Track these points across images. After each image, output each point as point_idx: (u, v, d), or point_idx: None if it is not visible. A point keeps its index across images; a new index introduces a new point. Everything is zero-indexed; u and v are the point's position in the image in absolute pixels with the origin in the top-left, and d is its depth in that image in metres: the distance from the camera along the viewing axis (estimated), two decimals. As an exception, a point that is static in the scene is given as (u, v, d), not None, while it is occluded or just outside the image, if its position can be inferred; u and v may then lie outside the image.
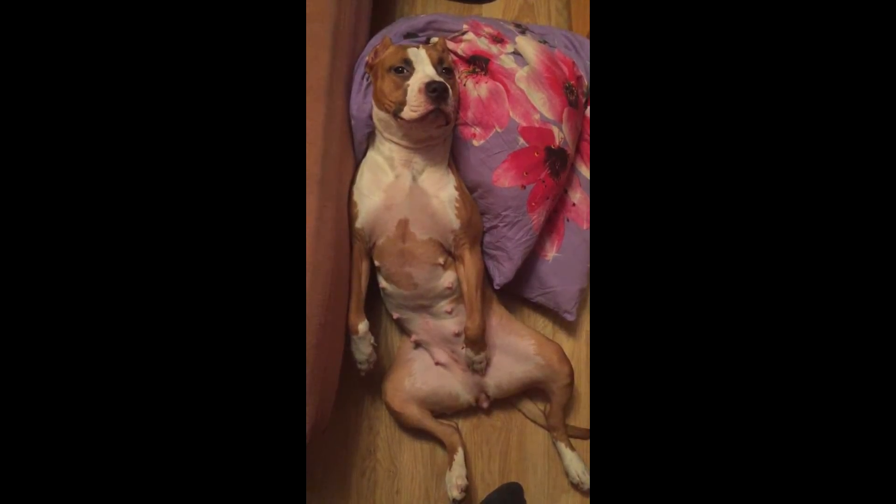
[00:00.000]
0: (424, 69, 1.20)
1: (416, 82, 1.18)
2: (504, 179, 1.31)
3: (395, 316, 1.43)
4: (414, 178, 1.27)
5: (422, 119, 1.17)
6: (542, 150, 1.31)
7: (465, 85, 1.32)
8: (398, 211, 1.26)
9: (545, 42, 1.40)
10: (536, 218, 1.35)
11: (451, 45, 1.34)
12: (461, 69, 1.33)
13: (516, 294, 1.51)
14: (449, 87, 1.18)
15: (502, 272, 1.40)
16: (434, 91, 1.14)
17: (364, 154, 1.34)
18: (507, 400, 1.47)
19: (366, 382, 1.43)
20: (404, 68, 1.21)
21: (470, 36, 1.34)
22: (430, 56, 1.23)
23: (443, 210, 1.27)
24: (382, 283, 1.37)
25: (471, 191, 1.36)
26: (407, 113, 1.18)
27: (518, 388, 1.43)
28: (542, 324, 1.57)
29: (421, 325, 1.41)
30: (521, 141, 1.30)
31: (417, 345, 1.44)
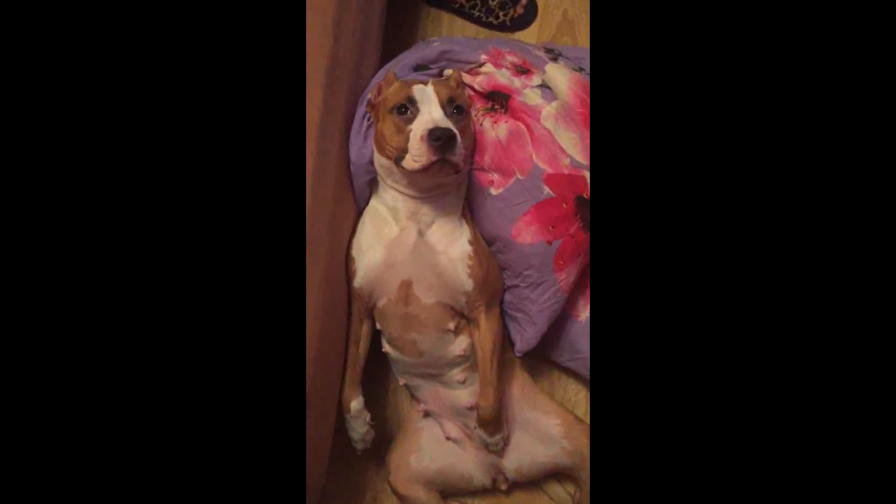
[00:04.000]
0: (431, 111, 1.03)
1: (418, 127, 1.01)
2: (526, 234, 1.13)
3: (402, 382, 1.27)
4: (420, 233, 1.10)
5: (425, 170, 1.00)
6: (571, 201, 1.11)
7: (481, 125, 1.14)
8: (400, 271, 1.10)
9: (581, 70, 1.20)
10: (565, 278, 1.15)
11: (466, 78, 1.17)
12: (478, 106, 1.15)
13: (543, 356, 1.32)
14: (457, 133, 1.00)
15: (524, 338, 1.21)
16: (438, 140, 0.97)
17: (367, 202, 1.18)
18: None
19: (370, 446, 1.27)
20: (408, 108, 1.04)
21: (489, 68, 1.15)
22: (438, 94, 1.05)
23: (452, 270, 1.09)
24: (386, 346, 1.21)
25: (488, 244, 1.18)
26: (408, 163, 1.01)
27: (540, 473, 1.24)
28: (575, 390, 1.36)
29: (430, 394, 1.24)
30: (547, 190, 1.11)
31: (427, 414, 1.27)
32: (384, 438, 1.30)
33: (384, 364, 1.28)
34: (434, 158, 0.98)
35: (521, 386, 1.26)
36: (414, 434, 1.26)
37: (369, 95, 1.14)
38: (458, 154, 1.00)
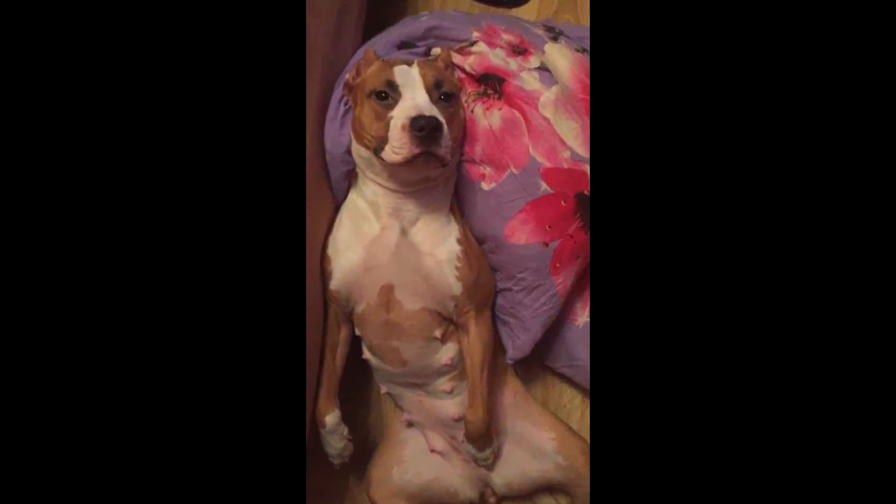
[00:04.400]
0: (414, 96, 0.91)
1: (400, 115, 0.89)
2: (520, 234, 1.02)
3: (384, 390, 1.17)
4: (403, 232, 0.99)
5: (407, 163, 0.89)
6: (570, 198, 1.00)
7: (472, 111, 1.02)
8: (381, 274, 0.99)
9: (584, 51, 1.08)
10: (562, 282, 1.05)
11: (457, 58, 1.04)
12: (469, 90, 1.03)
13: (538, 360, 1.22)
14: (444, 122, 0.89)
15: (517, 345, 1.11)
16: (421, 130, 0.85)
17: (346, 195, 1.07)
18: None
19: (351, 457, 1.18)
20: (388, 93, 0.93)
21: (481, 47, 1.03)
22: (424, 77, 0.94)
23: (439, 272, 0.99)
24: (366, 353, 1.12)
25: (478, 243, 1.08)
26: (388, 154, 0.90)
27: (532, 488, 1.16)
28: (570, 396, 1.27)
29: (414, 403, 1.14)
30: (544, 186, 1.00)
31: (411, 424, 1.18)
32: (366, 447, 1.21)
33: (367, 367, 1.18)
34: (417, 151, 0.87)
35: (512, 393, 1.17)
36: (397, 445, 1.18)
37: (346, 76, 1.02)
38: (445, 146, 0.89)
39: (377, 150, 0.92)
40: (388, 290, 1.00)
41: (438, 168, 0.94)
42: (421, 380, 1.10)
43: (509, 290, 1.08)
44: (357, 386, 1.23)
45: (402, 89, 0.92)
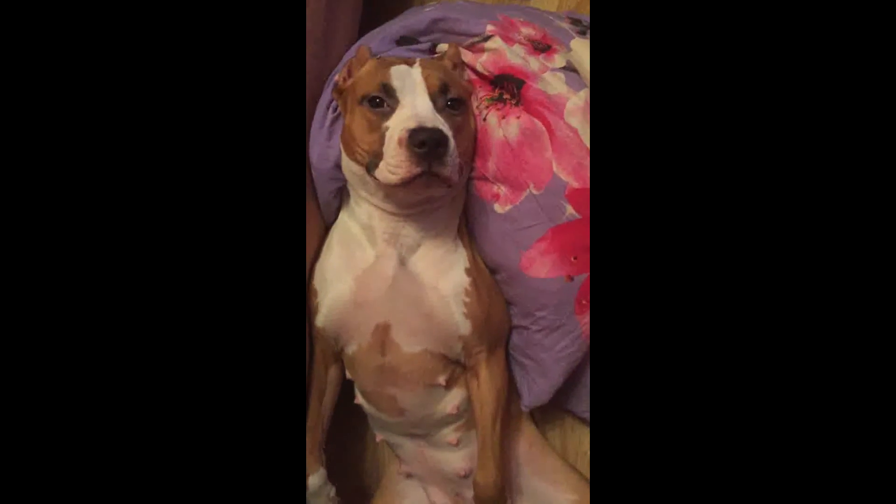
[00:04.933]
0: (414, 102, 0.77)
1: (397, 126, 0.75)
2: (540, 266, 0.87)
3: (379, 438, 1.03)
4: (402, 261, 0.86)
5: (404, 184, 0.73)
6: (601, 225, 0.84)
7: (485, 120, 0.87)
8: (375, 311, 0.86)
9: (617, 47, 0.92)
10: (588, 322, 0.89)
11: (467, 56, 0.89)
12: (481, 94, 0.88)
13: (557, 402, 1.07)
14: (449, 135, 0.74)
15: (534, 391, 0.96)
16: (422, 145, 0.70)
17: (336, 215, 0.93)
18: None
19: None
20: (383, 99, 0.78)
21: (497, 43, 0.87)
22: (427, 78, 0.79)
23: (444, 309, 0.85)
24: (359, 398, 0.98)
25: (490, 273, 0.93)
26: (383, 173, 0.75)
27: (549, 556, 1.01)
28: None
29: (414, 454, 1.01)
30: (570, 210, 0.84)
31: (410, 475, 1.04)
32: (360, 496, 1.08)
33: (361, 413, 1.04)
34: (416, 171, 0.72)
35: (527, 443, 1.02)
36: (394, 498, 1.04)
37: (336, 77, 0.87)
38: (451, 164, 0.73)
39: (370, 168, 0.78)
40: (383, 330, 0.87)
41: (443, 189, 0.79)
42: (422, 430, 0.96)
43: (526, 328, 0.93)
44: (350, 427, 1.09)
45: (399, 94, 0.78)
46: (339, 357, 0.94)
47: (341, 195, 0.92)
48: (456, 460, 0.97)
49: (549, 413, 1.10)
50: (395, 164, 0.73)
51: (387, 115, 0.77)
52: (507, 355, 0.98)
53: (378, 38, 0.89)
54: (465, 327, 0.86)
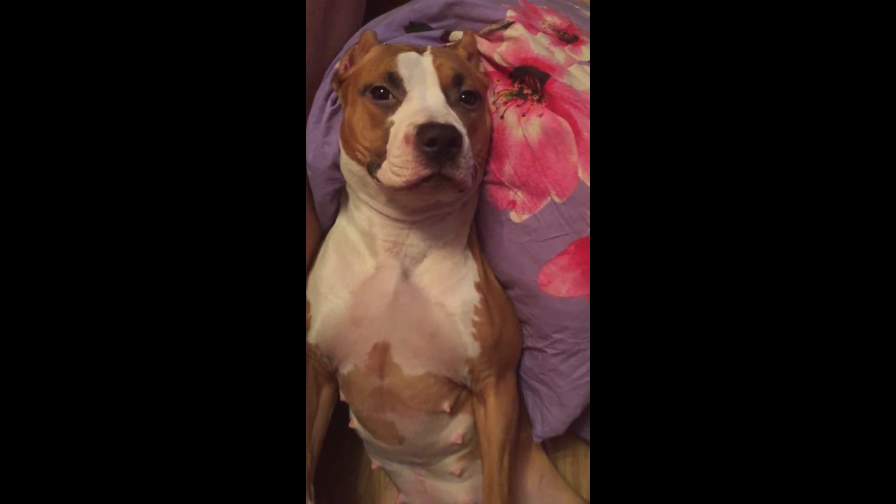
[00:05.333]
0: (424, 95, 0.68)
1: (403, 120, 0.65)
2: (560, 283, 0.77)
3: (375, 465, 0.94)
4: (405, 273, 0.77)
5: (410, 188, 0.64)
6: (631, 239, 0.75)
7: (503, 117, 0.77)
8: (373, 328, 0.77)
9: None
10: (612, 346, 0.80)
11: (484, 45, 0.79)
12: (498, 89, 0.79)
13: (570, 430, 0.97)
14: (463, 133, 0.64)
15: (548, 421, 0.87)
16: (432, 144, 0.61)
17: (333, 220, 0.84)
18: None
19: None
20: (388, 90, 0.69)
21: (518, 30, 0.77)
22: (439, 68, 0.70)
23: (451, 329, 0.77)
24: (354, 422, 0.89)
25: (503, 288, 0.85)
26: (386, 175, 0.66)
27: None
28: (608, 473, 1.03)
29: (413, 483, 0.92)
30: (596, 221, 0.74)
31: (407, 507, 0.95)
32: None
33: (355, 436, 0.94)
34: (425, 172, 0.63)
35: (538, 476, 0.94)
36: (389, 532, 0.95)
37: (337, 65, 0.78)
38: (465, 166, 0.64)
39: (371, 168, 0.69)
40: (382, 350, 0.78)
41: (455, 193, 0.69)
42: (423, 458, 0.88)
43: (541, 351, 0.84)
44: (342, 451, 1.00)
45: (407, 84, 0.68)
46: (332, 377, 0.85)
47: (339, 198, 0.82)
48: (459, 492, 0.90)
49: (560, 441, 1.00)
50: (399, 164, 0.63)
51: (392, 109, 0.68)
52: (519, 379, 0.89)
53: (385, 23, 0.80)
54: (473, 349, 0.77)
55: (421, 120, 0.63)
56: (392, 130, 0.66)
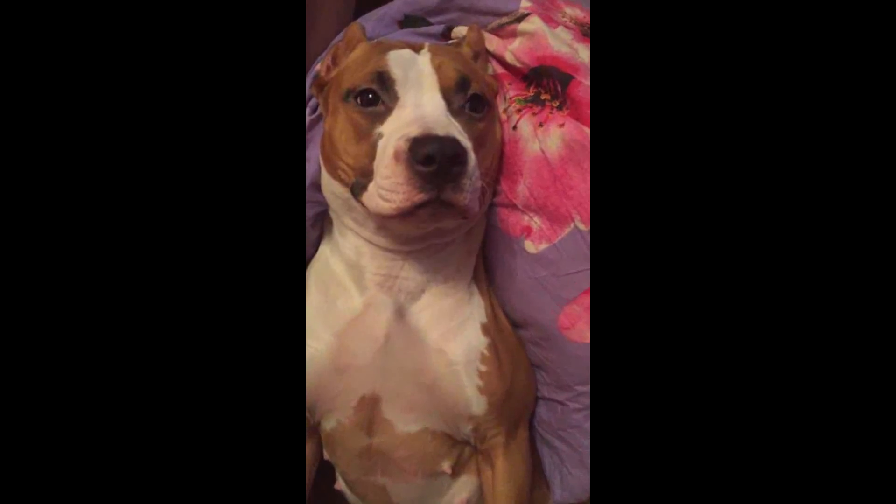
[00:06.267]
0: (420, 101, 0.58)
1: (394, 132, 0.55)
2: (585, 327, 0.66)
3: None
4: (399, 312, 0.67)
5: (402, 217, 0.52)
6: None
7: (515, 128, 0.66)
8: (360, 379, 0.67)
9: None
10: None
11: (493, 42, 0.69)
12: (510, 94, 0.68)
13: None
14: (468, 148, 0.53)
15: (568, 484, 0.75)
16: (429, 162, 0.50)
17: (315, 247, 0.74)
18: None
19: None
20: (377, 94, 0.57)
21: (534, 24, 0.66)
22: (439, 69, 0.60)
23: (452, 381, 0.67)
24: (340, 483, 0.79)
25: (514, 327, 0.73)
26: (373, 200, 0.55)
27: None
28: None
29: None
30: (628, 252, 0.62)
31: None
32: None
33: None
34: (419, 198, 0.52)
35: None
36: None
37: (318, 66, 0.67)
38: (470, 188, 0.53)
39: (355, 190, 0.58)
40: (371, 403, 0.68)
41: (458, 221, 0.58)
42: None
43: (561, 404, 0.72)
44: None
45: (399, 88, 0.58)
46: (315, 431, 0.74)
47: (322, 223, 0.72)
48: (464, 567, 0.78)
49: None
50: (388, 187, 0.52)
51: (381, 118, 0.57)
52: (532, 432, 0.77)
53: (376, 17, 0.69)
54: (478, 405, 0.67)
55: (415, 132, 0.52)
56: (380, 144, 0.55)
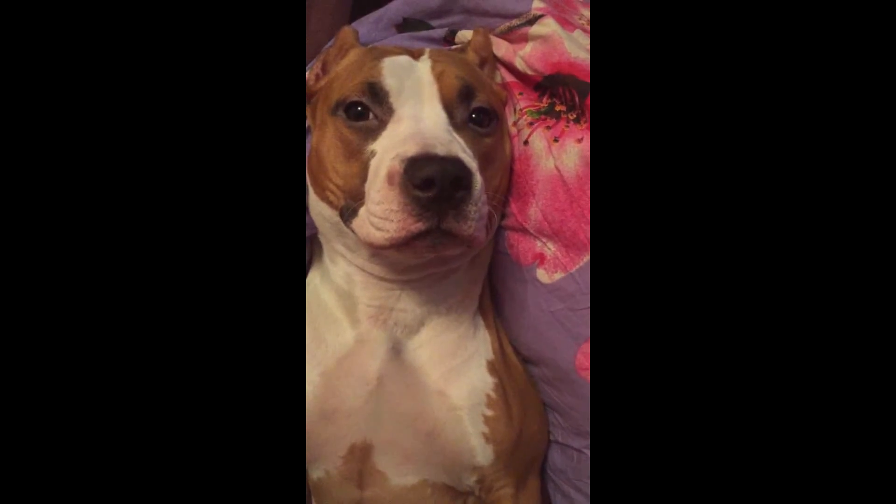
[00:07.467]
0: (418, 115, 0.53)
1: (387, 151, 0.50)
2: (605, 367, 0.58)
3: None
4: (395, 348, 0.62)
5: (399, 247, 0.46)
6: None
7: (526, 143, 0.60)
8: (350, 425, 0.62)
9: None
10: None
11: (501, 47, 0.63)
12: (521, 105, 0.62)
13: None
14: (473, 169, 0.48)
15: (584, 535, 0.68)
16: (428, 185, 0.44)
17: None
18: None
19: None
20: (368, 107, 0.52)
21: (548, 27, 0.60)
22: (440, 78, 0.56)
23: (454, 428, 0.61)
24: None
25: (525, 363, 0.68)
26: (364, 227, 0.50)
27: None
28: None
29: None
30: (655, 284, 0.56)
31: None
32: None
33: None
34: (416, 227, 0.46)
35: None
36: None
37: (307, 75, 0.61)
38: (474, 216, 0.47)
39: (345, 215, 0.52)
40: (361, 453, 0.63)
41: (462, 250, 0.51)
42: None
43: (577, 451, 0.66)
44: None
45: (395, 100, 0.52)
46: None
47: (311, 247, 0.66)
48: None
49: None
50: (381, 213, 0.46)
51: (373, 133, 0.52)
52: (543, 479, 0.71)
53: (371, 20, 0.64)
54: (484, 455, 0.61)
55: (412, 151, 0.46)
56: (372, 164, 0.49)
